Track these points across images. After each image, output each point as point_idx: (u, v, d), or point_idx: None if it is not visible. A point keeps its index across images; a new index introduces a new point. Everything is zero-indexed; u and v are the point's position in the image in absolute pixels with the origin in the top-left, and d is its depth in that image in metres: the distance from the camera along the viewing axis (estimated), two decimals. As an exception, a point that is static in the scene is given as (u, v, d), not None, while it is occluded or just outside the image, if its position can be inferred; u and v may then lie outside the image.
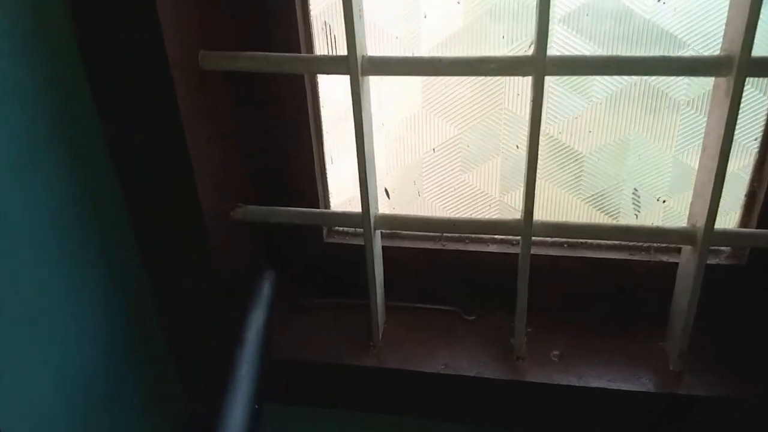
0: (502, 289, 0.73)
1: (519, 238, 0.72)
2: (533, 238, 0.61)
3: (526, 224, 0.60)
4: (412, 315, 0.76)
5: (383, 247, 0.70)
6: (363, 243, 0.76)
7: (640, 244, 0.71)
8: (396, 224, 0.65)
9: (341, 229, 0.77)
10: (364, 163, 0.59)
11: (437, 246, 0.74)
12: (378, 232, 0.66)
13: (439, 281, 0.75)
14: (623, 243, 0.71)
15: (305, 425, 0.72)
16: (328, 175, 0.73)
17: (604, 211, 0.70)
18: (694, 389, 0.63)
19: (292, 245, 0.77)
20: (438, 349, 0.70)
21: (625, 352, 0.68)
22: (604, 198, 0.70)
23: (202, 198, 0.62)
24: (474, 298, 0.75)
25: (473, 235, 0.74)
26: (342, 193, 0.75)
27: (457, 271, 0.74)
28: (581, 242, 0.72)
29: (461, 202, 0.72)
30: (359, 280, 0.77)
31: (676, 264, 0.67)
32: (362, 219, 0.64)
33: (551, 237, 0.61)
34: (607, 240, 0.61)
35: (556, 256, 0.71)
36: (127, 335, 0.66)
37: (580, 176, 0.68)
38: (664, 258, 0.70)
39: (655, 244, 0.71)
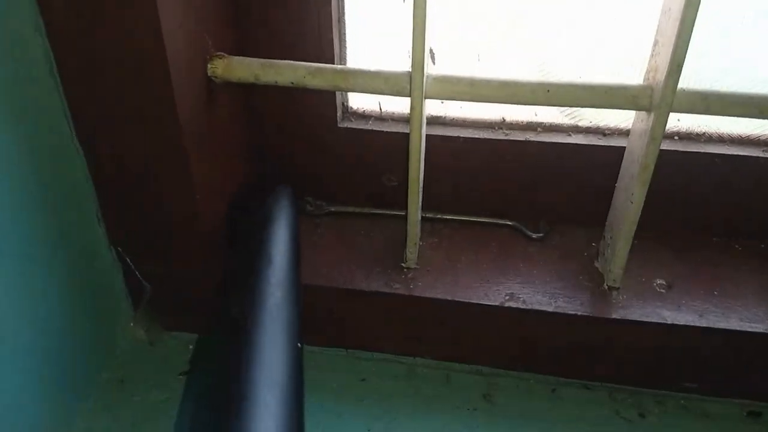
0: (584, 197, 0.54)
1: (618, 122, 0.52)
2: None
3: (668, 87, 0.39)
4: (458, 231, 0.56)
5: (428, 131, 0.49)
6: (389, 130, 0.55)
7: (778, 137, 0.52)
8: (458, 90, 0.43)
9: (362, 109, 0.55)
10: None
11: (497, 136, 0.53)
12: (426, 105, 0.45)
13: (494, 186, 0.55)
14: (754, 135, 0.52)
15: (313, 373, 0.53)
16: (347, 23, 0.50)
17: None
18: None
19: (293, 132, 0.55)
20: (497, 275, 0.51)
21: (754, 281, 0.50)
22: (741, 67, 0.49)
23: (167, 36, 0.39)
24: (541, 209, 0.56)
25: (549, 121, 0.53)
26: (361, 57, 0.53)
27: (521, 171, 0.54)
28: (695, 132, 0.52)
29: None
30: (386, 181, 0.56)
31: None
32: (411, 80, 0.42)
33: (692, 113, 0.41)
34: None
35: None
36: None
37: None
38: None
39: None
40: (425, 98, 0.43)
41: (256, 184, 0.56)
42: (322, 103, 0.53)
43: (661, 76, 0.40)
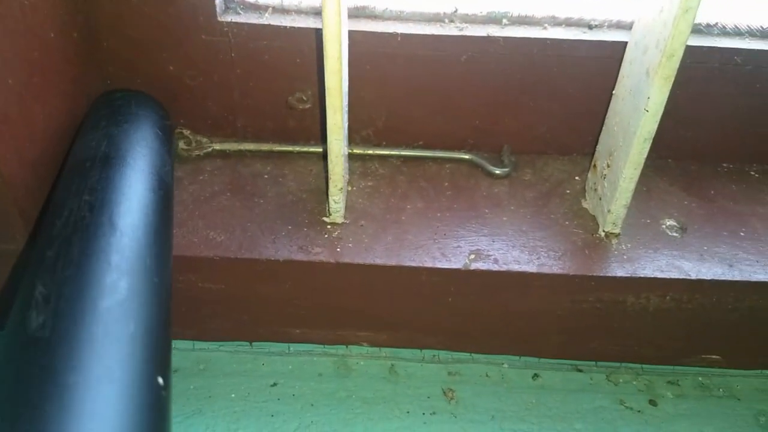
0: (561, 114, 0.40)
1: (608, 13, 0.38)
2: None
3: None
4: (398, 170, 0.41)
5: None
6: (296, 25, 0.38)
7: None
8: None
9: (252, -3, 0.38)
10: None
11: (448, 31, 0.38)
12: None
13: (444, 105, 0.40)
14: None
15: (201, 381, 0.37)
16: None
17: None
18: None
19: (147, 28, 0.37)
20: (455, 227, 0.37)
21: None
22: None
23: None
24: (505, 135, 0.42)
25: (517, 12, 0.38)
26: None
27: (479, 82, 0.39)
28: (705, 24, 0.39)
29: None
30: (295, 101, 0.40)
31: None
32: None
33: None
34: None
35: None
36: None
37: None
38: None
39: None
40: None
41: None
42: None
43: None
